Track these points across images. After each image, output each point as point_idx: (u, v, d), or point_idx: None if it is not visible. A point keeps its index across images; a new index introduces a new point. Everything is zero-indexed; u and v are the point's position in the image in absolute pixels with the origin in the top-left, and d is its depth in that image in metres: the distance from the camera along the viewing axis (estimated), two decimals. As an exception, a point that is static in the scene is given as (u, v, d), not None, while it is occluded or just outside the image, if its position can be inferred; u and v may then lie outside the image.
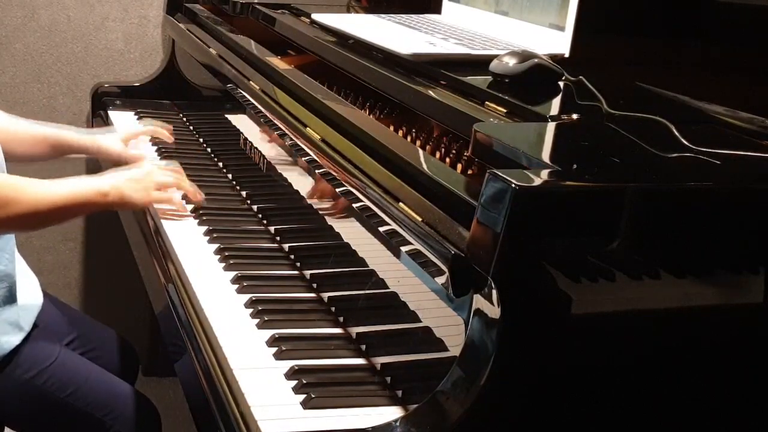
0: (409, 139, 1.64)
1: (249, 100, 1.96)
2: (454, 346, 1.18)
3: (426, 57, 1.58)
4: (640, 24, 1.75)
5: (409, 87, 1.53)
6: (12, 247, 1.75)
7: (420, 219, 1.23)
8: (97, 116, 2.72)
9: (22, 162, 2.00)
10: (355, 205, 1.43)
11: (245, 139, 2.10)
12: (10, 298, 1.72)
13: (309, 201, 1.69)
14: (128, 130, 2.22)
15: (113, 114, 2.67)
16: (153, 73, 2.82)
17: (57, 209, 1.67)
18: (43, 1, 2.74)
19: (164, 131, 2.27)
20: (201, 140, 2.45)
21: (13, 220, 1.62)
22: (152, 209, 1.93)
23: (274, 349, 1.42)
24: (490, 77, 1.48)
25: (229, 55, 2.19)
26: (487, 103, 1.41)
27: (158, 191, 1.83)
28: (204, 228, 1.86)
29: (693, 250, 1.12)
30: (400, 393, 1.31)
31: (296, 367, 1.36)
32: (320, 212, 1.65)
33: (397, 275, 1.36)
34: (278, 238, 1.82)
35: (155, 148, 2.35)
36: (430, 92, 1.50)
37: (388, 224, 1.32)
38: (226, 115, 2.28)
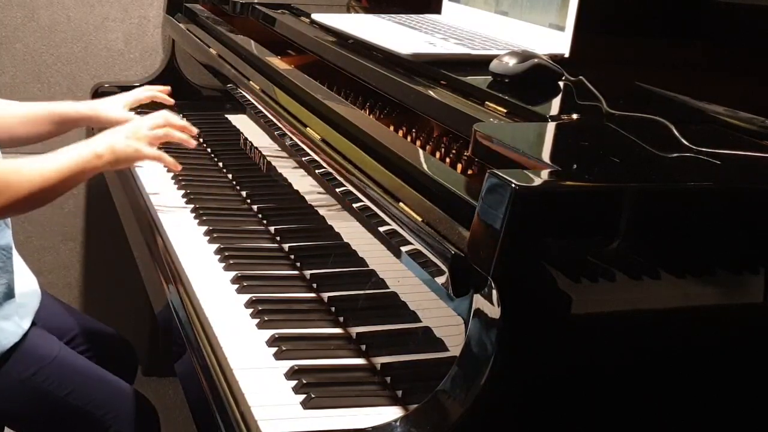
0: (409, 139, 1.63)
1: (249, 100, 1.96)
2: (454, 346, 1.18)
3: (426, 57, 1.58)
4: (640, 24, 1.75)
5: (409, 87, 1.53)
6: (9, 245, 1.75)
7: (420, 219, 1.23)
8: (97, 116, 2.72)
9: (27, 144, 2.00)
10: (355, 205, 1.43)
11: (245, 139, 2.10)
12: (8, 296, 1.72)
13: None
14: (128, 97, 2.18)
15: (113, 114, 2.66)
16: (153, 73, 2.82)
17: (58, 182, 1.67)
18: (43, 1, 2.74)
19: (163, 94, 2.22)
20: (201, 140, 2.45)
21: (18, 202, 1.63)
22: (151, 207, 1.94)
23: (274, 349, 1.42)
24: (490, 77, 1.48)
25: (229, 55, 2.19)
26: (487, 103, 1.41)
27: (150, 146, 1.81)
28: (204, 228, 1.86)
29: (693, 250, 1.12)
30: (400, 393, 1.30)
31: (296, 367, 1.36)
32: (320, 212, 1.66)
33: (397, 275, 1.36)
34: (278, 238, 1.82)
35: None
36: (430, 92, 1.49)
37: (388, 224, 1.32)
38: (226, 115, 2.28)
